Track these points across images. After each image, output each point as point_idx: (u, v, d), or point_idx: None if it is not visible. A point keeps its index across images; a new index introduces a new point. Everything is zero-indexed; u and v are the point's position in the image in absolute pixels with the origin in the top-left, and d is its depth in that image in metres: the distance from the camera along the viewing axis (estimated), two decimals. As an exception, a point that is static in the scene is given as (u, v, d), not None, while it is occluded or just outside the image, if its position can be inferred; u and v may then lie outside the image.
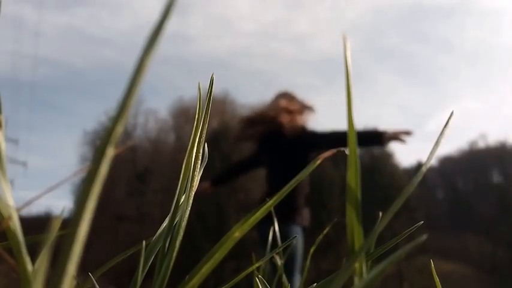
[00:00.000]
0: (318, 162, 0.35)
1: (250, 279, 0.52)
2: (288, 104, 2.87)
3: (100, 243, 18.72)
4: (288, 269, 2.50)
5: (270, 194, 2.81)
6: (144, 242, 0.37)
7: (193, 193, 0.38)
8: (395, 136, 2.58)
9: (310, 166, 0.34)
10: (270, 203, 0.33)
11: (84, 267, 0.33)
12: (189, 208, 0.37)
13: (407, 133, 2.59)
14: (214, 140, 21.43)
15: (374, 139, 2.66)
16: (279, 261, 0.66)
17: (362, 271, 0.28)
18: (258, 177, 22.39)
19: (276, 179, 2.83)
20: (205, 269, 0.31)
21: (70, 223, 0.18)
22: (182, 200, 0.38)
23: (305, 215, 2.78)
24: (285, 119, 2.84)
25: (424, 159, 0.31)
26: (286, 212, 2.64)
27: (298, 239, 2.57)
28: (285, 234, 2.54)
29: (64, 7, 38.94)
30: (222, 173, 3.23)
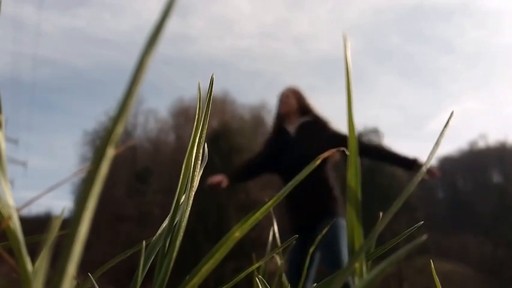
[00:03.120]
0: (318, 162, 0.35)
1: (250, 279, 0.52)
2: None
3: (100, 243, 18.72)
4: (330, 259, 2.45)
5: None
6: (144, 242, 0.37)
7: (193, 192, 0.38)
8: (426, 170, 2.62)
9: (310, 166, 0.34)
10: (270, 203, 0.33)
11: (84, 267, 0.33)
12: (189, 208, 0.37)
13: (435, 174, 2.61)
14: (214, 140, 21.45)
15: (405, 163, 2.67)
16: (279, 262, 0.66)
17: (362, 271, 0.28)
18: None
19: None
20: (205, 269, 0.31)
21: (70, 223, 0.18)
22: (182, 200, 0.38)
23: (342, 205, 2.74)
24: None
25: (424, 159, 0.31)
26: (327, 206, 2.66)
27: (341, 230, 2.54)
28: (330, 228, 2.51)
29: (65, 8, 38.98)
30: (243, 169, 2.92)
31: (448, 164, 41.75)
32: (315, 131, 2.81)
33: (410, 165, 2.63)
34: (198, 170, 0.39)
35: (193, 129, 0.39)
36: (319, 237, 0.59)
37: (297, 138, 2.82)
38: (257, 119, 26.78)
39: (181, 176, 0.39)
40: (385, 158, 2.76)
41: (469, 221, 33.36)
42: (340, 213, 2.68)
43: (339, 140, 2.74)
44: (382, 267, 0.23)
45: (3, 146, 0.29)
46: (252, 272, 0.48)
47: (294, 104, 2.88)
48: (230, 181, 2.73)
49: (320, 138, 2.76)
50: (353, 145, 0.28)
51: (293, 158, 2.77)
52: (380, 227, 0.27)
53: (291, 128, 2.87)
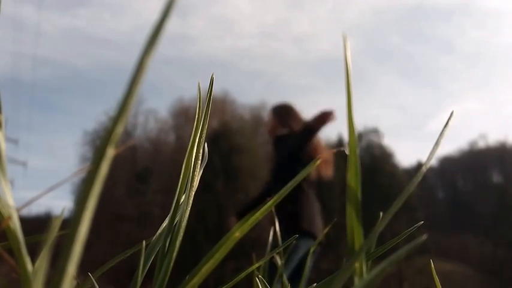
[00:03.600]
0: (318, 162, 0.35)
1: (250, 279, 0.52)
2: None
3: (100, 243, 18.72)
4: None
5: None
6: (144, 242, 0.37)
7: (193, 193, 0.38)
8: (319, 121, 2.73)
9: (310, 166, 0.34)
10: (270, 203, 0.33)
11: (84, 267, 0.33)
12: (189, 208, 0.37)
13: (328, 114, 2.73)
14: (214, 140, 21.44)
15: (307, 134, 2.81)
16: (279, 262, 0.66)
17: (362, 271, 0.28)
18: (258, 176, 22.42)
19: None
20: (206, 269, 0.31)
21: (70, 223, 0.18)
22: (182, 200, 0.38)
23: (315, 223, 2.78)
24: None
25: (424, 159, 0.31)
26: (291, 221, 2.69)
27: (300, 248, 2.57)
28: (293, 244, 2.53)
29: (66, 8, 38.97)
30: (250, 204, 3.15)
31: (448, 164, 41.74)
32: (284, 142, 2.98)
33: (310, 128, 2.77)
34: (198, 170, 0.39)
35: (193, 129, 0.39)
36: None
37: (273, 153, 3.10)
38: (257, 119, 26.77)
39: (181, 176, 0.39)
40: (316, 127, 2.84)
41: (469, 221, 33.35)
42: (297, 231, 2.68)
43: (297, 135, 2.90)
44: (382, 267, 0.23)
45: (3, 146, 0.29)
46: (252, 272, 0.48)
47: (272, 124, 3.11)
48: (239, 217, 3.00)
49: (284, 148, 2.93)
50: (353, 145, 0.28)
51: (271, 172, 3.07)
52: (380, 227, 0.27)
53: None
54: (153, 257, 0.37)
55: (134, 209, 22.36)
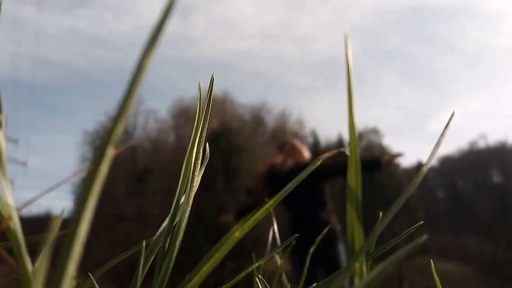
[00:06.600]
0: (319, 162, 0.35)
1: (250, 279, 0.52)
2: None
3: (100, 243, 18.72)
4: None
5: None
6: (144, 242, 0.37)
7: (193, 193, 0.38)
8: (390, 161, 2.80)
9: (311, 167, 0.34)
10: (270, 203, 0.33)
11: (84, 267, 0.33)
12: (189, 208, 0.37)
13: (398, 155, 2.83)
14: (214, 140, 21.45)
15: (374, 166, 2.84)
16: (279, 262, 0.66)
17: (362, 271, 0.28)
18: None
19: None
20: (205, 269, 0.31)
21: (70, 223, 0.18)
22: (182, 200, 0.38)
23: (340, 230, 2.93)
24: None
25: (424, 159, 0.31)
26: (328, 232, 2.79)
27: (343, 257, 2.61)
28: (332, 254, 2.59)
29: (67, 9, 38.93)
30: (248, 207, 3.30)
31: (448, 164, 41.75)
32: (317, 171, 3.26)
33: (379, 165, 2.80)
34: (198, 170, 0.39)
35: (194, 129, 0.39)
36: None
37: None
38: (257, 119, 26.79)
39: (181, 176, 0.39)
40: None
41: (469, 221, 33.35)
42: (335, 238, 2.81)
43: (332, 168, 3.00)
44: (382, 267, 0.23)
45: (3, 146, 0.29)
46: (252, 271, 0.48)
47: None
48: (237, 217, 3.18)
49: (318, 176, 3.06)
50: (353, 145, 0.28)
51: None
52: (380, 227, 0.27)
53: None
54: (153, 257, 0.37)
55: (134, 209, 22.36)
